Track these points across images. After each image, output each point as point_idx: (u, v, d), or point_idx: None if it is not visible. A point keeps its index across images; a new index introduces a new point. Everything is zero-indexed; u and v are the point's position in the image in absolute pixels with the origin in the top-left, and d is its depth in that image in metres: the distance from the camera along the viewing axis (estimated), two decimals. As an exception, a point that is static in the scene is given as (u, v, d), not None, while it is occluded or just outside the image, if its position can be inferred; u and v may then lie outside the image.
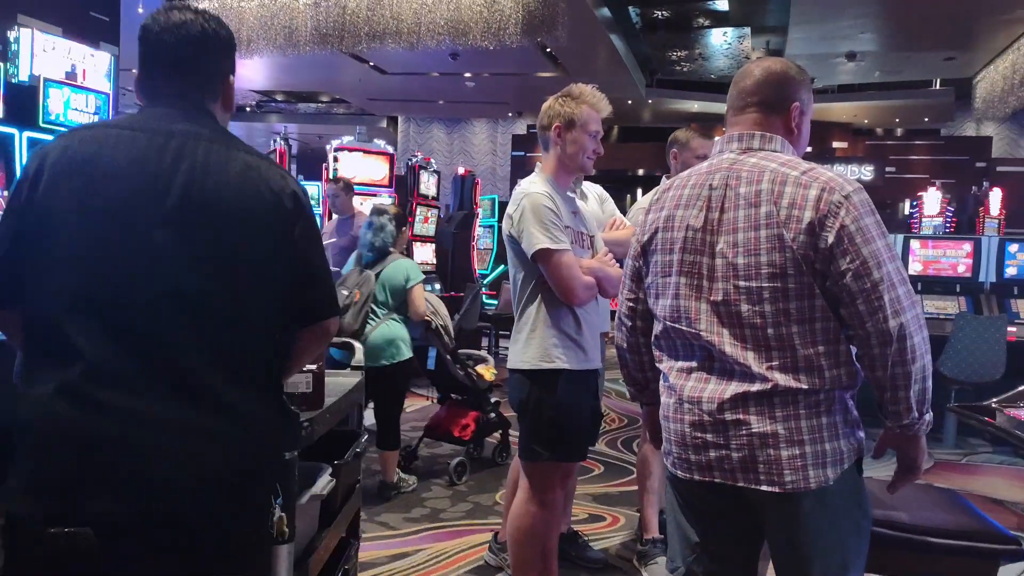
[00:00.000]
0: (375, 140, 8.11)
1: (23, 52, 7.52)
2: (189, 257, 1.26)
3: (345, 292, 3.75)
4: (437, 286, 8.05)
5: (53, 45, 7.29)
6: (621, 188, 15.53)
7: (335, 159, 7.19)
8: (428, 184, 8.09)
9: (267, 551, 1.39)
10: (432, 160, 8.49)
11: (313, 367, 1.80)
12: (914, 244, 6.39)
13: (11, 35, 7.01)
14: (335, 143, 7.37)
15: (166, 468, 1.21)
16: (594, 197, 3.15)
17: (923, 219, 9.84)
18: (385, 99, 14.05)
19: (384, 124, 15.87)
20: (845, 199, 1.44)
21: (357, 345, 2.63)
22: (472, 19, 7.64)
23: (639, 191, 15.93)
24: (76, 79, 5.86)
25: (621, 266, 2.53)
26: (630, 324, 1.80)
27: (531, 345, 2.33)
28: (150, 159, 1.30)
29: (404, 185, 7.75)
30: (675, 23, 10.77)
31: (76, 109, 4.48)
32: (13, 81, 4.51)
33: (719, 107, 14.01)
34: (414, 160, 8.04)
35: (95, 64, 7.04)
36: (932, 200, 9.93)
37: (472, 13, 7.64)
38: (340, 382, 2.18)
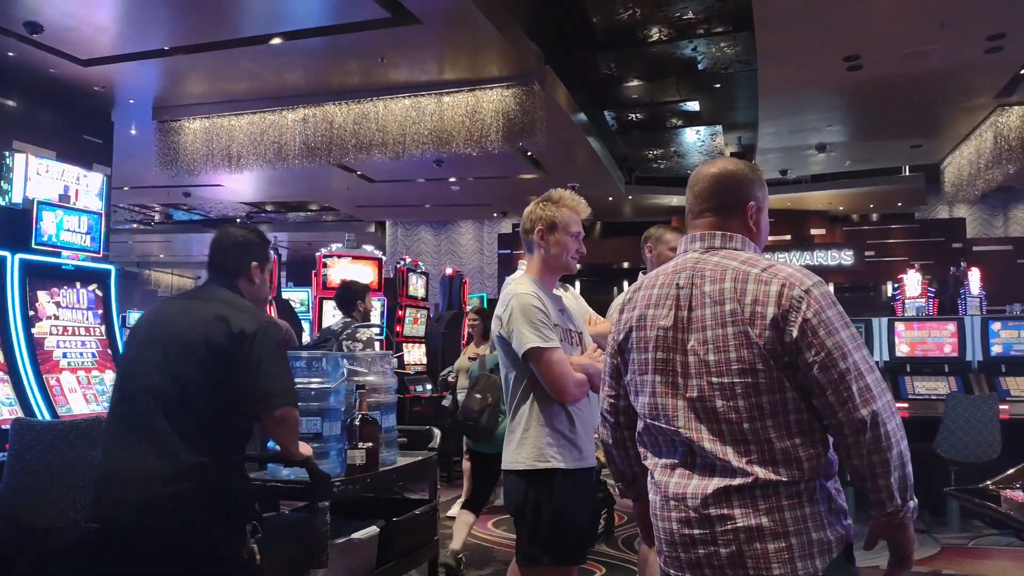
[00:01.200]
0: (364, 245, 8.26)
1: (16, 176, 7.72)
2: (161, 366, 2.15)
3: (478, 396, 3.98)
4: (428, 386, 8.01)
5: (47, 168, 7.48)
6: (606, 281, 15.73)
7: (324, 265, 7.30)
8: (417, 286, 8.19)
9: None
10: (420, 262, 8.62)
11: (368, 444, 2.83)
12: (899, 327, 6.46)
13: (6, 160, 7.20)
14: (324, 250, 7.49)
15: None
16: (570, 294, 3.21)
17: (906, 301, 9.98)
18: (373, 205, 14.36)
19: (372, 229, 16.16)
20: (806, 293, 1.49)
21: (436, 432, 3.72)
22: (455, 128, 7.94)
23: (625, 283, 16.13)
24: (69, 200, 5.99)
25: None
26: (613, 420, 1.82)
27: (525, 445, 2.32)
28: (175, 312, 2.35)
29: (393, 288, 7.84)
30: (649, 124, 11.23)
31: (68, 230, 4.57)
32: (5, 204, 4.61)
33: (698, 200, 14.40)
34: (402, 263, 8.16)
35: (87, 185, 7.21)
36: (912, 282, 10.11)
37: (455, 123, 7.95)
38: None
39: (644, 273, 3.39)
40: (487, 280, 15.26)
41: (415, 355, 8.14)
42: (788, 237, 14.88)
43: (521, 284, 2.43)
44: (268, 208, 15.50)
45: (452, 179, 12.00)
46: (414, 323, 8.10)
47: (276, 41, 7.16)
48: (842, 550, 1.49)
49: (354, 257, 7.48)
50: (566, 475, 2.30)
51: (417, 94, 8.15)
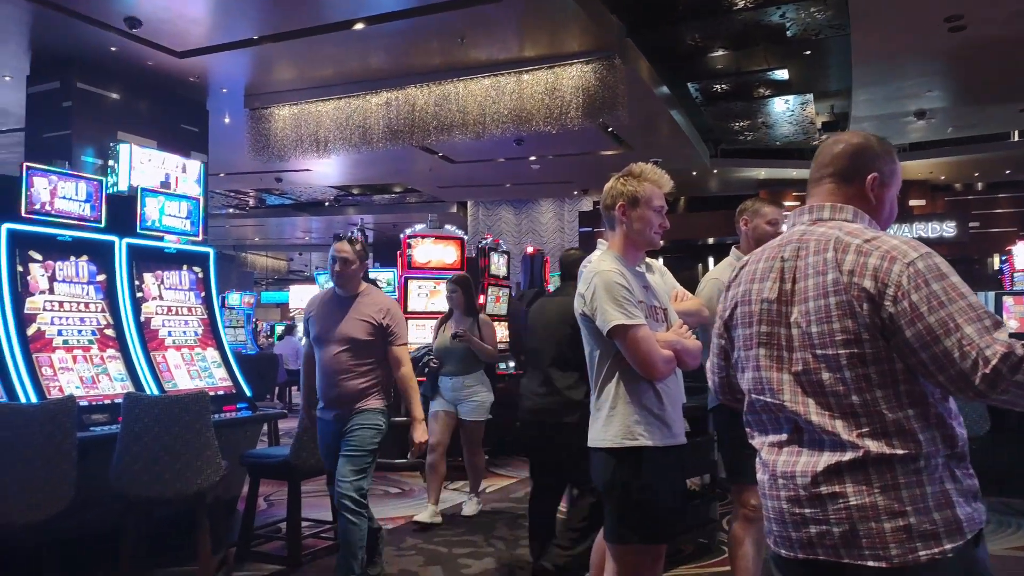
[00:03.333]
0: (447, 225, 8.36)
1: (122, 165, 8.18)
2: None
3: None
4: (511, 363, 8.07)
5: (149, 157, 7.91)
6: (691, 257, 15.42)
7: (409, 245, 7.43)
8: (498, 264, 8.24)
9: None
10: (501, 241, 8.65)
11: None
12: (1008, 301, 6.09)
13: (112, 150, 7.66)
14: (408, 231, 7.62)
15: None
16: (656, 271, 3.16)
17: (1015, 274, 9.35)
18: (454, 186, 14.50)
19: (454, 209, 16.33)
20: (907, 266, 1.40)
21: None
22: (535, 107, 7.90)
23: (710, 260, 15.77)
24: (169, 187, 6.30)
25: (697, 336, 2.52)
26: (723, 399, 1.82)
27: (612, 423, 2.31)
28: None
29: (475, 267, 7.91)
30: (735, 95, 10.86)
31: (170, 215, 4.80)
32: (113, 192, 4.87)
33: (785, 173, 13.89)
34: (484, 242, 8.22)
35: (186, 172, 7.57)
36: (1022, 254, 9.45)
37: (535, 101, 7.91)
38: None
39: (737, 248, 3.31)
40: (569, 258, 15.19)
41: (498, 333, 8.21)
42: (886, 209, 14.19)
43: (604, 261, 2.40)
44: (355, 191, 15.88)
45: (532, 158, 11.97)
46: (496, 302, 8.16)
47: (359, 26, 7.28)
48: (972, 534, 1.39)
49: (437, 237, 7.58)
50: (655, 452, 2.28)
51: (497, 73, 8.15)
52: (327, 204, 16.83)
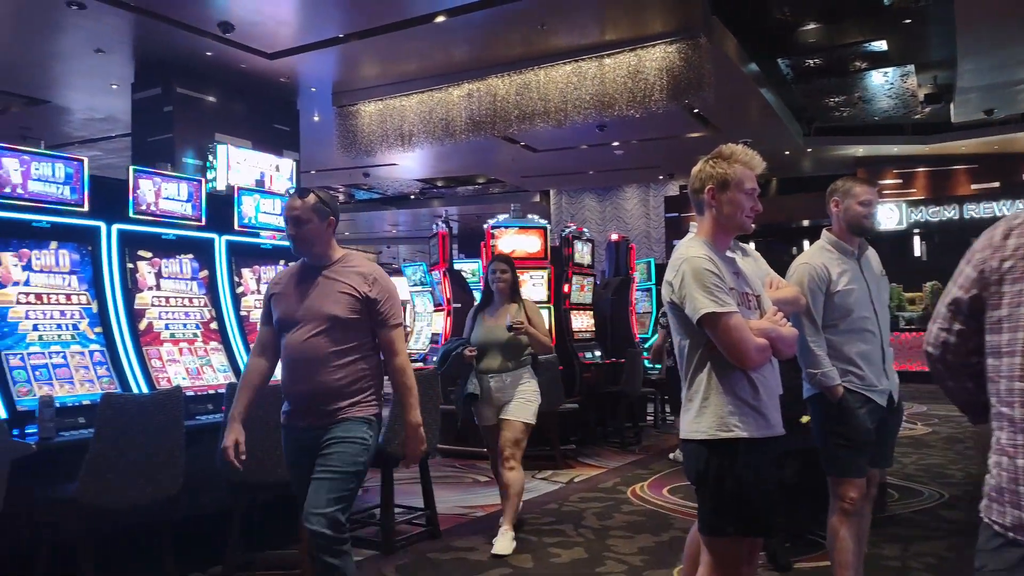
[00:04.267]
0: (530, 215, 8.35)
1: (220, 165, 8.54)
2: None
3: None
4: (597, 352, 8.01)
5: (244, 157, 8.20)
6: (784, 241, 14.89)
7: (492, 236, 7.46)
8: (583, 253, 8.17)
9: None
10: (585, 229, 8.59)
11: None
12: None
13: (210, 151, 7.98)
14: (491, 221, 7.66)
15: None
16: (749, 256, 3.04)
17: None
18: (537, 175, 14.48)
19: (537, 199, 16.32)
20: None
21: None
22: (617, 91, 7.79)
23: (804, 242, 15.19)
24: (264, 185, 6.53)
25: (793, 325, 2.42)
26: (939, 355, 1.60)
27: (705, 414, 2.24)
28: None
29: (559, 256, 7.88)
30: (829, 69, 10.39)
31: (265, 212, 4.96)
32: (212, 191, 5.07)
33: (885, 150, 13.20)
34: (567, 231, 8.17)
35: (279, 170, 7.80)
36: None
37: (617, 85, 7.80)
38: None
39: (828, 230, 3.16)
40: (654, 245, 14.96)
41: (583, 322, 8.16)
42: (996, 184, 13.29)
43: (692, 247, 2.33)
44: (439, 183, 16.10)
45: (615, 143, 11.82)
46: (581, 290, 8.11)
47: (441, 19, 7.35)
48: None
49: (520, 227, 7.59)
50: (751, 444, 2.20)
51: (578, 59, 8.07)
52: (412, 197, 17.13)
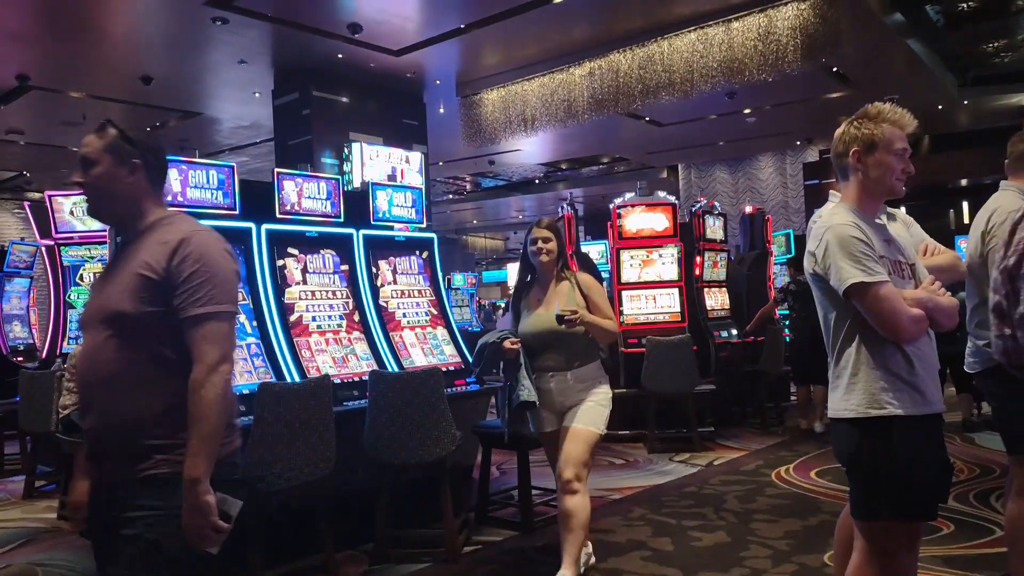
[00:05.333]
0: (657, 192, 8.17)
1: (354, 163, 8.91)
2: None
3: None
4: (734, 331, 7.74)
5: (377, 153, 8.52)
6: (938, 203, 13.75)
7: (619, 216, 7.36)
8: (714, 228, 7.91)
9: None
10: (716, 203, 8.29)
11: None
12: None
13: (345, 150, 8.36)
14: (618, 200, 7.55)
15: None
16: (900, 222, 2.81)
17: None
18: (663, 150, 14.14)
19: (664, 175, 15.94)
20: None
21: None
22: (746, 55, 7.44)
23: (964, 204, 13.97)
24: (396, 179, 6.76)
25: (953, 295, 2.22)
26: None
27: (854, 390, 2.11)
28: None
29: (689, 232, 7.66)
30: (987, 12, 9.42)
31: (398, 205, 5.14)
32: (348, 188, 5.30)
33: (1057, 95, 11.83)
34: (698, 205, 7.93)
35: (410, 163, 8.05)
36: None
37: (746, 49, 7.45)
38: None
39: (1016, 178, 2.85)
40: (792, 215, 14.23)
41: (717, 300, 7.90)
42: None
43: (837, 214, 2.19)
44: (563, 166, 16.06)
45: (747, 111, 11.31)
46: (714, 267, 7.85)
47: (558, 0, 7.29)
48: None
49: (647, 205, 7.43)
50: (906, 422, 2.05)
51: (703, 25, 7.78)
52: (537, 181, 17.20)
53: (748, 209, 9.24)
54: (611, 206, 7.52)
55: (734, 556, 3.72)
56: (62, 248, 7.70)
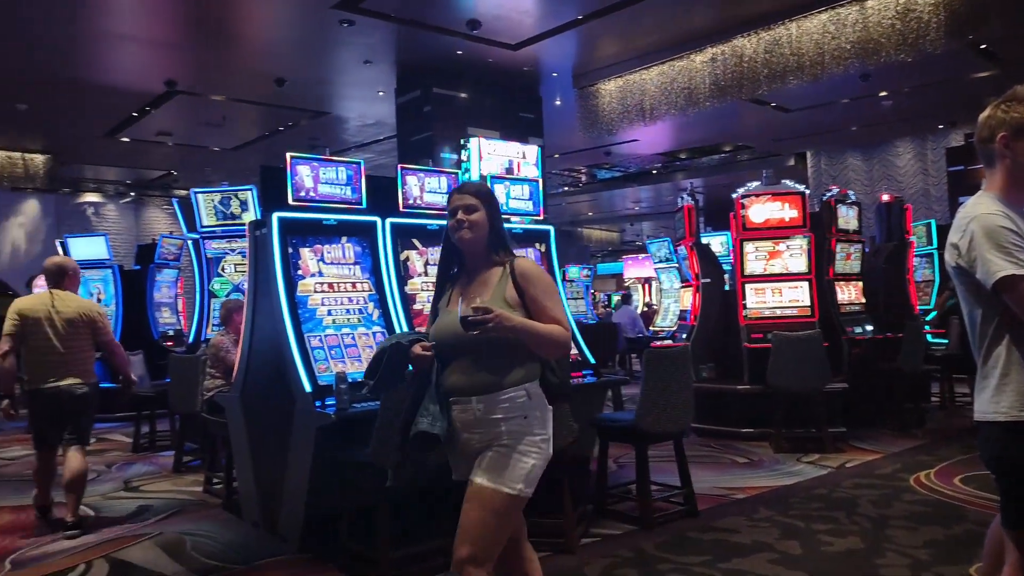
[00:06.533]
0: (784, 181, 7.83)
1: (473, 157, 9.08)
2: None
3: None
4: (868, 327, 7.31)
5: (494, 147, 8.63)
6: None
7: (742, 206, 7.11)
8: (848, 218, 7.49)
9: None
10: (849, 192, 7.85)
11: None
12: None
13: (464, 145, 8.53)
14: (741, 190, 7.29)
15: None
16: None
17: None
18: (790, 137, 13.54)
19: (791, 163, 15.26)
20: None
21: None
22: (883, 35, 7.00)
23: None
24: (513, 172, 6.82)
25: None
26: None
27: (1005, 392, 1.95)
28: None
29: (820, 222, 7.29)
30: None
31: (515, 198, 5.19)
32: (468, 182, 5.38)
33: None
34: (829, 194, 7.53)
35: (526, 157, 8.11)
36: None
37: (882, 28, 7.00)
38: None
39: None
40: (934, 204, 13.28)
41: (850, 294, 7.48)
42: None
43: (981, 203, 2.02)
44: (682, 155, 15.69)
45: (883, 93, 10.65)
46: (847, 259, 7.44)
47: (678, -15, 7.12)
48: None
49: (774, 194, 7.13)
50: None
51: (835, 5, 7.38)
52: (654, 172, 16.89)
53: (885, 198, 8.70)
54: (734, 196, 7.27)
55: (869, 563, 3.52)
56: (205, 241, 8.29)
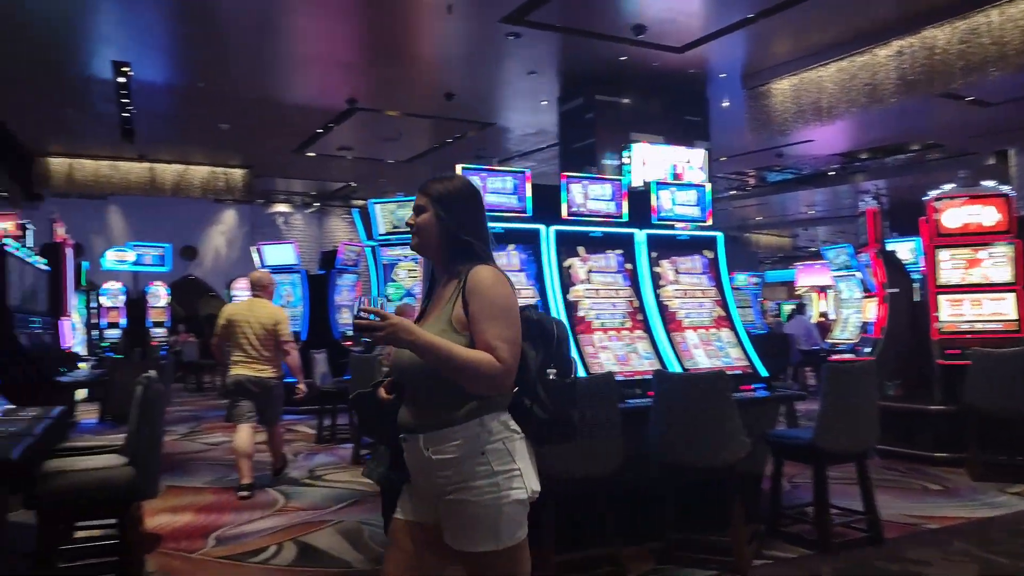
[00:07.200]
0: (983, 182, 7.09)
1: (635, 163, 9.00)
2: None
3: None
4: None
5: (658, 152, 8.49)
6: None
7: (935, 210, 6.51)
8: (1065, 223, 6.64)
9: None
10: (1065, 193, 6.97)
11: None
12: None
13: (626, 151, 8.46)
14: (932, 193, 6.68)
15: None
16: None
17: None
18: (990, 133, 12.24)
19: (991, 161, 13.79)
20: None
21: None
22: (1111, 12, 6.17)
23: None
24: (677, 178, 6.67)
25: None
26: None
27: None
28: None
29: (1028, 228, 6.51)
30: None
31: (680, 204, 5.07)
32: (629, 188, 5.32)
33: None
34: (1039, 196, 6.73)
35: (691, 161, 7.91)
36: None
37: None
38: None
39: None
40: None
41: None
42: None
43: None
44: (862, 156, 14.64)
45: (1105, 81, 9.37)
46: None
47: (861, -25, 6.67)
48: None
49: (972, 197, 6.46)
50: None
51: (1047, -14, 6.60)
52: (831, 173, 15.88)
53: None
54: (925, 199, 6.68)
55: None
56: (381, 248, 8.79)
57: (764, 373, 4.73)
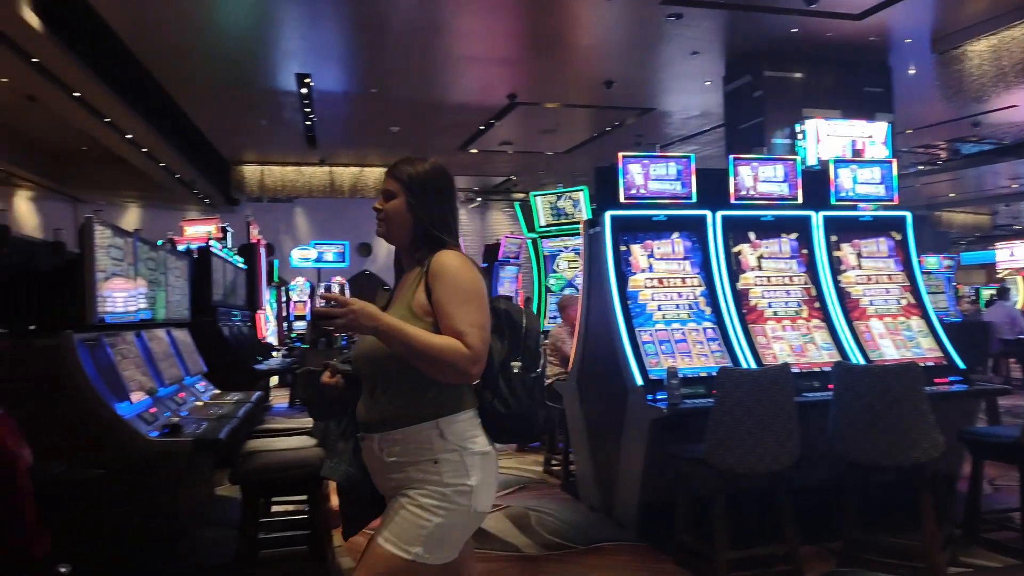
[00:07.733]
0: None
1: (809, 140, 8.50)
2: None
3: None
4: None
5: (834, 128, 7.98)
6: None
7: None
8: None
9: None
10: None
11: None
12: None
13: (798, 128, 8.01)
14: None
15: None
16: None
17: None
18: None
19: None
20: None
21: None
22: None
23: None
24: (858, 154, 6.22)
25: None
26: None
27: None
28: None
29: None
30: None
31: (862, 182, 4.73)
32: (804, 168, 5.02)
33: None
34: None
35: (872, 136, 7.36)
36: None
37: None
38: None
39: None
40: None
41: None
42: None
43: None
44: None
45: None
46: None
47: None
48: None
49: None
50: None
51: None
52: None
53: None
54: None
55: None
56: (542, 240, 8.89)
57: (961, 365, 4.31)
